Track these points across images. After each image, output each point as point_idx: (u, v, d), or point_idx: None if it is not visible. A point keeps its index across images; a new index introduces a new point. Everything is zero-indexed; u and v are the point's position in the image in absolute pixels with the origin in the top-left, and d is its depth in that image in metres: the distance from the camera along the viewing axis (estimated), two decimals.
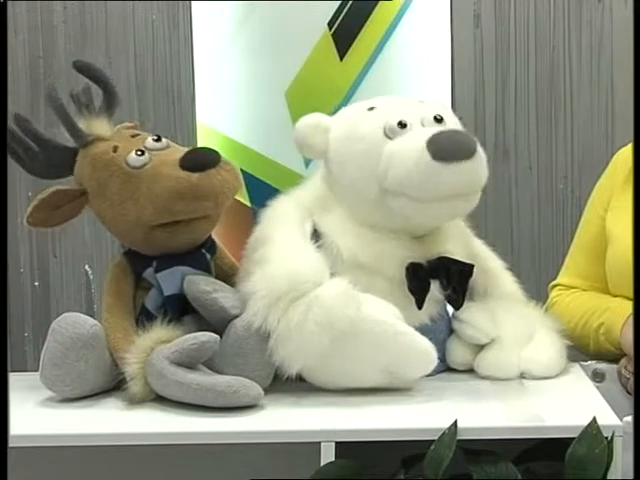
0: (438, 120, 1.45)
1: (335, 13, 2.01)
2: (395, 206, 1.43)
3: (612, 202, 1.68)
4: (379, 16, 2.02)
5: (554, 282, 1.77)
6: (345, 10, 2.01)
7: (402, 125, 1.43)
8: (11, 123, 1.44)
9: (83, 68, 1.50)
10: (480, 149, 1.40)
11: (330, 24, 2.01)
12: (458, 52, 2.44)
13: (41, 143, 1.46)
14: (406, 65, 2.06)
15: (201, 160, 1.41)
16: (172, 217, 1.41)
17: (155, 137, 1.46)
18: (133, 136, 1.48)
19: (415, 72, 2.06)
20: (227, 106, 2.08)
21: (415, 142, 1.39)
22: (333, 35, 2.01)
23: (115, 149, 1.44)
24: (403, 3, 2.03)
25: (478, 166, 1.39)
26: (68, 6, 2.61)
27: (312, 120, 1.51)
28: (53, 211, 1.44)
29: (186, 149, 1.46)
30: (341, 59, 2.02)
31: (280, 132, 2.03)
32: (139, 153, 1.43)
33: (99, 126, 1.47)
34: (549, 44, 2.55)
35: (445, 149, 1.37)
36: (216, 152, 1.44)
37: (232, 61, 2.07)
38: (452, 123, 1.48)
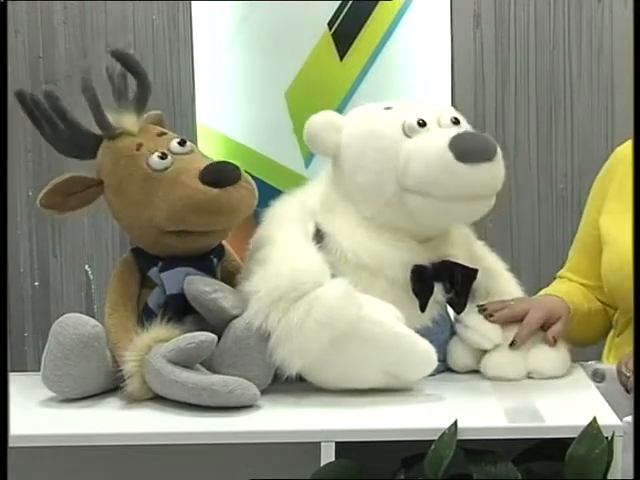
0: (454, 122, 1.47)
1: (335, 13, 2.01)
2: (412, 204, 1.43)
3: (606, 205, 1.67)
4: (379, 16, 2.02)
5: (558, 273, 1.77)
6: (345, 10, 2.01)
7: (421, 124, 1.44)
8: (42, 98, 1.44)
9: (120, 56, 1.50)
10: (499, 152, 1.41)
11: (330, 24, 2.01)
12: (458, 52, 2.44)
13: (68, 124, 1.45)
14: (406, 65, 2.06)
15: (222, 176, 1.40)
16: (185, 227, 1.41)
17: (180, 140, 1.46)
18: (159, 135, 1.48)
19: (415, 72, 2.06)
20: (227, 106, 2.08)
21: (437, 141, 1.40)
22: (333, 35, 2.01)
23: (139, 147, 1.44)
24: (403, 3, 2.03)
25: (498, 168, 1.42)
26: (68, 6, 2.61)
27: (325, 117, 1.51)
28: (67, 197, 1.44)
29: (209, 159, 1.46)
30: (341, 59, 2.02)
31: (280, 132, 2.03)
32: (161, 156, 1.42)
33: (127, 120, 1.46)
34: (549, 44, 2.55)
35: (468, 150, 1.38)
36: (237, 168, 1.43)
37: (232, 61, 2.07)
38: (466, 127, 1.49)
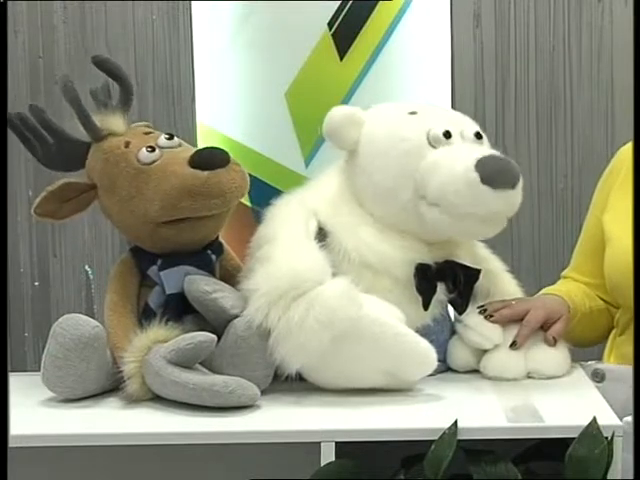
0: (477, 136, 1.47)
1: (335, 13, 2.01)
2: (426, 214, 1.44)
3: (610, 203, 1.68)
4: (379, 16, 2.02)
5: (563, 273, 1.77)
6: (345, 10, 2.01)
7: (447, 135, 1.44)
8: (27, 112, 1.45)
9: (101, 63, 1.51)
10: (521, 179, 1.42)
11: (330, 24, 2.01)
12: (458, 52, 2.45)
13: (55, 135, 1.46)
14: (406, 65, 2.06)
15: (211, 159, 1.41)
16: (179, 214, 1.41)
17: (167, 135, 1.47)
18: (146, 133, 1.48)
19: (415, 72, 2.06)
20: (227, 106, 2.08)
21: (463, 159, 1.41)
22: (333, 35, 2.01)
23: (127, 144, 1.45)
24: (403, 3, 2.03)
25: (518, 195, 1.43)
26: (68, 6, 2.61)
27: (347, 111, 1.51)
28: (61, 204, 1.45)
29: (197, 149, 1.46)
30: (341, 59, 2.02)
31: (280, 132, 2.03)
32: (150, 149, 1.43)
33: (113, 122, 1.47)
34: (549, 44, 2.55)
35: (495, 175, 1.39)
36: (226, 152, 1.44)
37: (232, 61, 2.07)
38: (488, 144, 1.50)
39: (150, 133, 1.49)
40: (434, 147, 1.44)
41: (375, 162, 1.48)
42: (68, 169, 1.50)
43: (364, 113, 1.52)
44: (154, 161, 1.43)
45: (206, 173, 1.39)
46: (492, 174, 1.39)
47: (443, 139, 1.44)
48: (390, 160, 1.46)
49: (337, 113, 1.50)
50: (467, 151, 1.43)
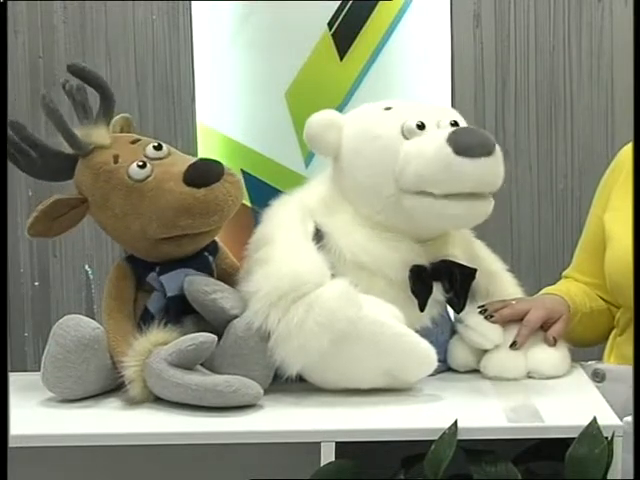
0: (453, 125, 1.46)
1: (335, 13, 2.01)
2: (411, 206, 1.43)
3: (611, 202, 1.68)
4: (379, 16, 2.02)
5: (564, 273, 1.77)
6: (345, 10, 2.01)
7: (420, 126, 1.44)
8: (8, 130, 1.42)
9: (79, 72, 1.48)
10: (498, 148, 1.41)
11: (330, 24, 2.01)
12: (458, 52, 2.45)
13: (39, 150, 1.44)
14: (406, 65, 2.06)
15: (205, 175, 1.40)
16: (178, 232, 1.40)
17: (155, 144, 1.45)
18: (133, 142, 1.46)
19: (415, 72, 2.06)
20: (227, 106, 2.08)
21: (434, 139, 1.40)
22: (333, 35, 2.01)
23: (116, 159, 1.43)
24: (403, 3, 2.03)
25: (496, 164, 1.41)
26: (68, 6, 2.61)
27: (325, 116, 1.50)
28: (53, 221, 1.43)
29: (188, 159, 1.44)
30: (341, 59, 2.02)
31: (280, 132, 2.03)
32: (140, 164, 1.41)
33: (98, 134, 1.45)
34: (549, 44, 2.55)
35: (467, 144, 1.37)
36: (219, 163, 1.43)
37: (232, 61, 2.07)
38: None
39: (136, 141, 1.46)
40: (408, 139, 1.44)
41: (354, 162, 1.48)
42: (56, 180, 1.48)
43: (342, 116, 1.51)
44: (147, 177, 1.41)
45: (202, 191, 1.38)
46: (464, 144, 1.37)
47: (417, 130, 1.43)
48: (367, 159, 1.46)
49: (315, 120, 1.50)
50: (438, 133, 1.42)
